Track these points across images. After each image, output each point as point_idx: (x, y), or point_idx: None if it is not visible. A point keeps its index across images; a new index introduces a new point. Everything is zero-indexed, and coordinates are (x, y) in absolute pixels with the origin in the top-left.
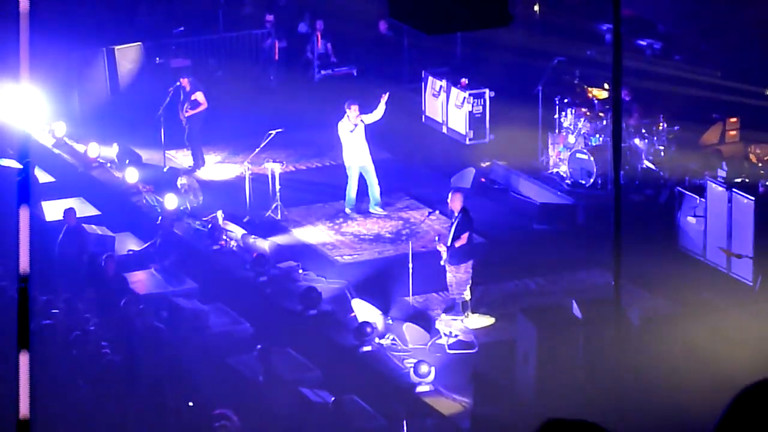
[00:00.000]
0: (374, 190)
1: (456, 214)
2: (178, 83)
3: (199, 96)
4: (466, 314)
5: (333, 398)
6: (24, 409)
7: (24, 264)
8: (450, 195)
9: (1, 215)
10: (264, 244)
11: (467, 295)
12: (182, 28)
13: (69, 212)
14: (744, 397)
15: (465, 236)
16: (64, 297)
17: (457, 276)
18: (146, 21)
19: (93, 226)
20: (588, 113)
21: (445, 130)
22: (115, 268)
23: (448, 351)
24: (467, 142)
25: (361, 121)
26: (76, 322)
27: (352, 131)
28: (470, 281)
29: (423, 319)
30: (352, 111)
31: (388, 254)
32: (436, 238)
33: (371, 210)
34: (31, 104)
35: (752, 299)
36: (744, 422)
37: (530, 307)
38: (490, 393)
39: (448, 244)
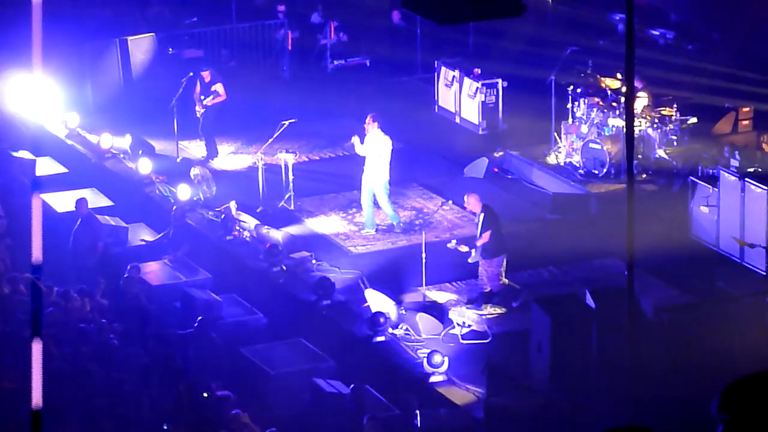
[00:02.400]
0: (369, 210)
1: (478, 214)
2: (191, 74)
3: (219, 88)
4: (485, 307)
5: (351, 386)
6: (36, 398)
7: (36, 253)
8: (466, 199)
9: (14, 207)
10: (277, 235)
11: (505, 281)
12: (195, 19)
13: (80, 202)
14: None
15: (486, 235)
16: (77, 288)
17: (489, 270)
18: (159, 11)
19: (106, 216)
20: (601, 103)
21: (458, 120)
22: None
23: (462, 341)
24: (480, 132)
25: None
26: (88, 312)
27: (361, 143)
28: (502, 273)
29: (436, 309)
30: (366, 123)
31: (402, 244)
32: (453, 242)
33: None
34: (44, 95)
35: (765, 288)
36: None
37: (544, 297)
38: (503, 383)
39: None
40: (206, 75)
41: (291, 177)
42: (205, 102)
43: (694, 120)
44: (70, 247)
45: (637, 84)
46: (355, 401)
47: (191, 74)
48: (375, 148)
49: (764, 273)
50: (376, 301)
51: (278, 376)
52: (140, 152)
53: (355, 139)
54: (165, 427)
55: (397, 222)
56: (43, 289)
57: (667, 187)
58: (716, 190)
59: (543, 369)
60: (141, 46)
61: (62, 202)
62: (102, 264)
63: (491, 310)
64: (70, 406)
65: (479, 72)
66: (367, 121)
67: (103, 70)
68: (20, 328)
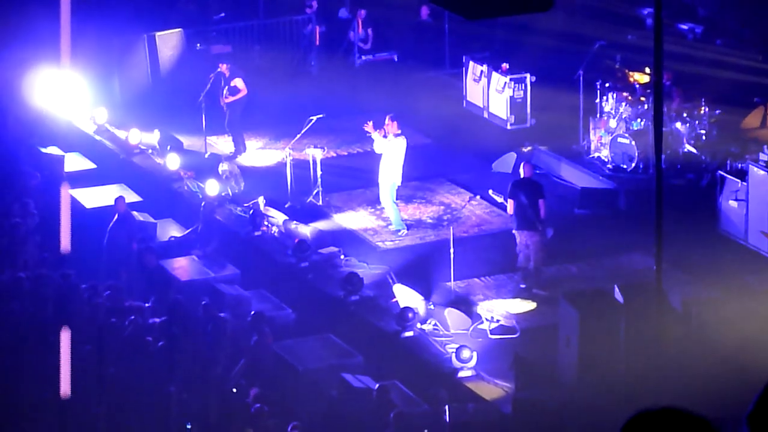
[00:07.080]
0: (388, 211)
1: None
2: (218, 69)
3: (238, 82)
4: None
5: (378, 385)
6: (65, 386)
7: (65, 245)
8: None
9: (45, 204)
10: (305, 230)
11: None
12: (223, 14)
13: (119, 200)
14: None
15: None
16: (110, 284)
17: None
18: (187, 7)
19: (135, 212)
20: (629, 97)
21: (486, 115)
22: (155, 259)
23: (490, 336)
24: (508, 126)
25: (384, 136)
26: (121, 309)
27: (380, 143)
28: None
29: (465, 305)
30: (386, 124)
31: (430, 239)
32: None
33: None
34: (73, 90)
35: None
36: None
37: (572, 292)
38: (531, 377)
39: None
40: (225, 69)
41: (319, 172)
42: (226, 100)
43: (722, 114)
44: (105, 243)
45: (666, 80)
46: (383, 396)
47: (219, 69)
48: (391, 147)
49: None
50: (405, 296)
51: (307, 371)
52: (168, 148)
53: (376, 135)
54: (188, 427)
55: (401, 229)
56: (70, 282)
57: (695, 181)
58: (745, 184)
59: (571, 364)
60: (169, 42)
61: (91, 197)
62: (137, 264)
63: (517, 303)
64: (95, 399)
65: (507, 67)
66: (386, 121)
67: (131, 65)
68: (45, 321)
